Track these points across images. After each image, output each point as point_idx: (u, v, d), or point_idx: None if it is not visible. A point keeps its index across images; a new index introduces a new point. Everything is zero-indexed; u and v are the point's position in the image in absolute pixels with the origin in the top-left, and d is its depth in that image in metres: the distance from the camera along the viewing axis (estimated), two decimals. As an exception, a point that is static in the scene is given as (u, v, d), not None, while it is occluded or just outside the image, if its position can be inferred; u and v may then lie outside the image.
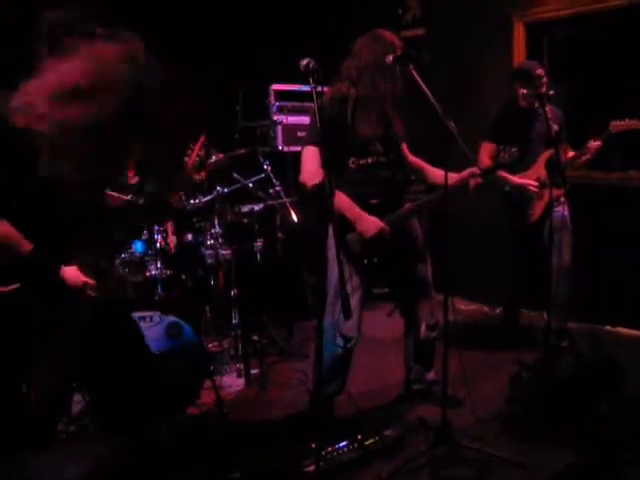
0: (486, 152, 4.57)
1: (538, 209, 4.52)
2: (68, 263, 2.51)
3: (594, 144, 4.37)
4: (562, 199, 4.49)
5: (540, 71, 4.50)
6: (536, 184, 4.40)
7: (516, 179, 4.45)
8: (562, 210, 4.53)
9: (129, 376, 2.71)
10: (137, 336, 2.84)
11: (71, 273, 2.50)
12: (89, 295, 2.53)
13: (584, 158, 4.44)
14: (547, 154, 4.47)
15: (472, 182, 3.39)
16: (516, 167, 4.33)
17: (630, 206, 4.87)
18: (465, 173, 3.44)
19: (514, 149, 3.73)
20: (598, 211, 4.98)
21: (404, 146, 3.61)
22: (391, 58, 3.20)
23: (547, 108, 4.50)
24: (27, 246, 2.40)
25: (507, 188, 4.59)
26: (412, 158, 3.67)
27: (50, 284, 2.46)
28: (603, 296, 4.92)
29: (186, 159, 2.89)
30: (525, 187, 4.40)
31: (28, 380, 2.38)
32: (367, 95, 3.30)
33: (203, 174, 2.93)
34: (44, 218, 2.44)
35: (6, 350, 2.37)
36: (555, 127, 4.48)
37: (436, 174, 3.46)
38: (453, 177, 3.50)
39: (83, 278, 2.51)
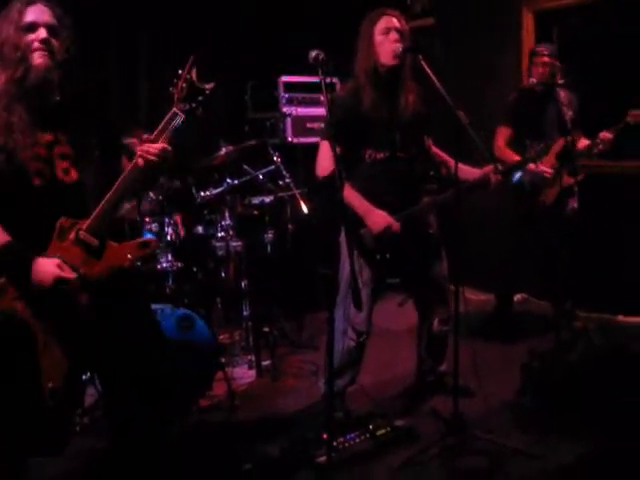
0: (502, 137, 4.49)
1: (551, 195, 4.44)
2: (46, 254, 2.29)
3: (607, 135, 4.22)
4: (575, 188, 4.41)
5: (542, 49, 4.43)
6: (551, 171, 4.31)
7: (532, 166, 4.28)
8: (573, 202, 4.48)
9: (143, 366, 2.52)
10: (151, 326, 2.69)
11: (43, 268, 2.25)
12: (67, 288, 2.27)
13: (597, 149, 4.31)
14: (560, 142, 4.34)
15: (493, 179, 3.34)
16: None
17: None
18: (487, 169, 3.40)
19: (541, 145, 3.67)
20: (613, 200, 4.93)
21: (429, 141, 3.53)
22: (401, 50, 3.19)
23: (562, 93, 4.42)
24: (3, 238, 2.25)
25: (515, 178, 4.47)
26: (434, 150, 3.61)
27: (24, 279, 2.25)
28: (616, 285, 4.89)
29: (171, 89, 2.42)
30: (540, 174, 4.33)
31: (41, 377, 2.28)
32: (362, 74, 3.26)
33: (188, 105, 2.41)
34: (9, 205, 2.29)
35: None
36: (570, 113, 4.36)
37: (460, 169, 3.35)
38: (475, 173, 3.45)
39: (57, 273, 2.24)
